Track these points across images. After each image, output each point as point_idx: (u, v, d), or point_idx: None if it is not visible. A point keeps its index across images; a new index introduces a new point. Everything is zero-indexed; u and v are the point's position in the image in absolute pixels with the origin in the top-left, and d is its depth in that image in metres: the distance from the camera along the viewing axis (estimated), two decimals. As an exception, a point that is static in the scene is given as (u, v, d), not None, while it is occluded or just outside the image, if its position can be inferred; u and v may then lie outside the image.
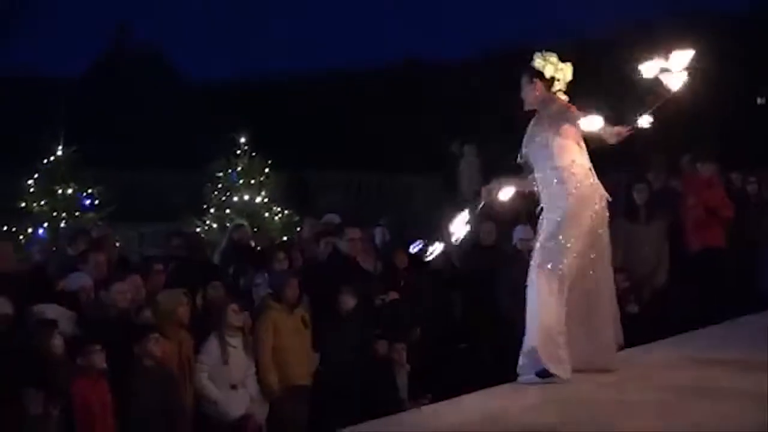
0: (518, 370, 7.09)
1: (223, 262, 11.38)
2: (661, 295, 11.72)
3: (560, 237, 7.00)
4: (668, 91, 7.00)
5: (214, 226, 16.32)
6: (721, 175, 12.86)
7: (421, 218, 16.56)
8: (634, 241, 11.67)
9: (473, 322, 11.26)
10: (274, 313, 9.60)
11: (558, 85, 7.28)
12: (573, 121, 7.08)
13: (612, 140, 7.11)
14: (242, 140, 17.15)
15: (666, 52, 7.03)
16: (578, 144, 7.18)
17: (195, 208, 16.96)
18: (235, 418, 9.05)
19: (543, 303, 6.99)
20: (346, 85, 34.66)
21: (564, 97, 7.29)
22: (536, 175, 7.26)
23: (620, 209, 11.96)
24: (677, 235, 12.19)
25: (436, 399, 8.60)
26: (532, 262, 7.21)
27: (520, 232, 11.12)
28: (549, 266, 7.00)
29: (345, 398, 9.72)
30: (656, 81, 7.01)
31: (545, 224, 7.17)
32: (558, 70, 7.26)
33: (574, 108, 7.16)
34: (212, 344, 9.08)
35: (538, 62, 7.26)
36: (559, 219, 7.04)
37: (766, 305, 11.24)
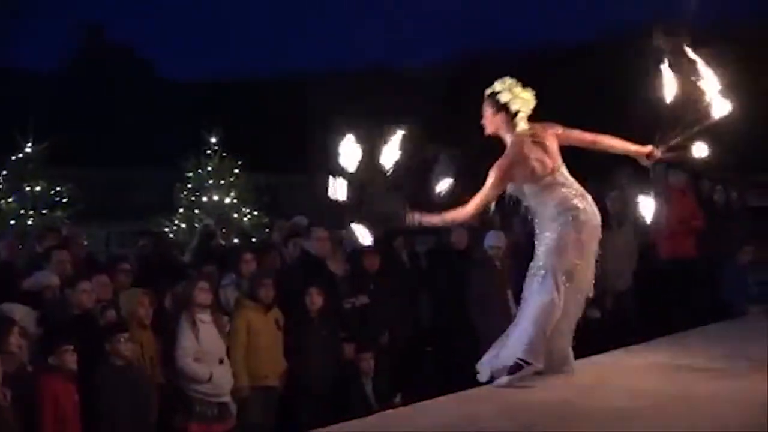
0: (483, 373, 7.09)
1: (194, 261, 11.32)
2: (624, 300, 11.74)
3: (557, 259, 6.97)
4: (710, 117, 7.01)
5: (183, 225, 16.25)
6: (692, 184, 12.90)
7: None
8: (606, 250, 11.67)
9: (441, 326, 11.26)
10: (249, 313, 9.55)
11: (522, 115, 7.11)
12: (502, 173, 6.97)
13: (643, 162, 7.28)
14: (213, 140, 17.09)
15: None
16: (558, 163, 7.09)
17: (164, 208, 16.90)
18: (227, 393, 9.04)
19: (545, 310, 6.93)
20: (317, 87, 34.60)
21: (526, 127, 7.12)
22: (525, 203, 7.19)
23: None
24: (648, 244, 12.23)
25: (406, 401, 8.57)
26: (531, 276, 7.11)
27: (491, 238, 11.10)
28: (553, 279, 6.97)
29: (313, 400, 9.69)
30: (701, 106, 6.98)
31: (542, 246, 7.09)
32: (523, 102, 7.10)
33: (522, 152, 7.00)
34: (183, 326, 9.01)
35: (504, 96, 7.10)
36: (553, 242, 7.00)
37: (731, 314, 11.30)
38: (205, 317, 9.08)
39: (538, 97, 7.14)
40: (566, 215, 7.02)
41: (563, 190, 7.07)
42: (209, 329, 9.09)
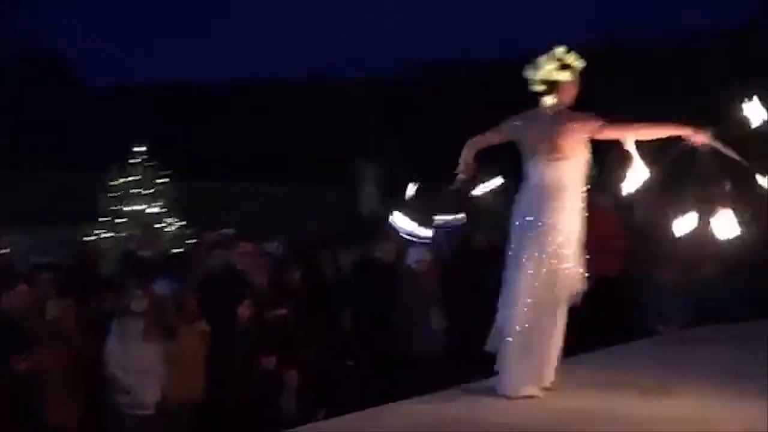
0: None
1: (117, 272, 11.24)
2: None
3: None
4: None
5: (107, 234, 16.12)
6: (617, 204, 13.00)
7: (321, 230, 16.54)
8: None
9: (363, 339, 11.27)
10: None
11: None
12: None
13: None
14: (140, 149, 16.98)
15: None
16: None
17: (88, 216, 16.74)
18: (150, 406, 8.96)
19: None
20: (251, 97, 34.54)
21: None
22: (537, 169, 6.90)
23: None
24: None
25: (328, 416, 8.57)
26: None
27: (416, 253, 11.16)
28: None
29: (232, 414, 9.64)
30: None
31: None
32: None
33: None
34: (113, 333, 8.95)
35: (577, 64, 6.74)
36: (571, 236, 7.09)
37: (642, 333, 11.43)
38: (134, 325, 9.01)
39: None
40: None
41: None
42: (137, 339, 9.02)
